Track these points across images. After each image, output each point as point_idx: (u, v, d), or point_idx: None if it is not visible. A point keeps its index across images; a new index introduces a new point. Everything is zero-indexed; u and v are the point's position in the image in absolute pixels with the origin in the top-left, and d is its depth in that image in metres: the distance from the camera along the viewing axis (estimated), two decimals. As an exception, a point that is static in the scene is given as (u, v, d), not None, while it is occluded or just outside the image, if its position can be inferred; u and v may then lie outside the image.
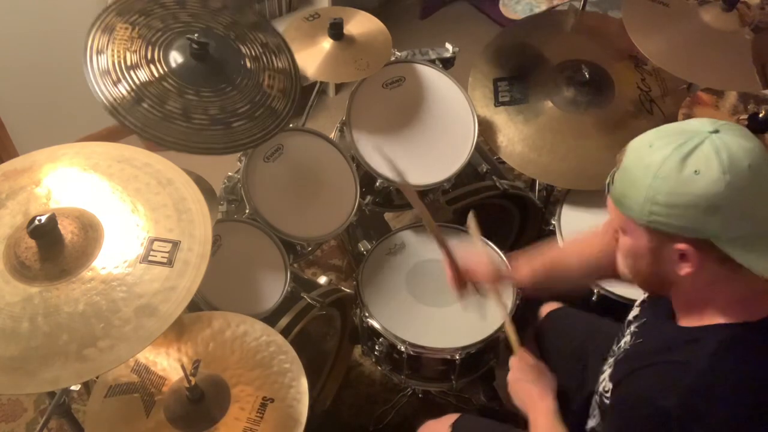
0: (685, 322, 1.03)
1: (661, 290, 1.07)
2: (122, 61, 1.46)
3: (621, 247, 1.05)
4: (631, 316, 1.20)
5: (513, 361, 1.38)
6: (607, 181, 1.03)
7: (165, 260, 1.07)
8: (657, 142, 0.94)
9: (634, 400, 1.02)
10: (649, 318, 1.14)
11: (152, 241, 1.09)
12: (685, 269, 0.96)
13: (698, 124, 0.94)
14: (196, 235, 1.10)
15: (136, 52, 1.47)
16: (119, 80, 1.44)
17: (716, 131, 0.92)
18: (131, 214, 1.12)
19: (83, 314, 1.01)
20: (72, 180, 1.17)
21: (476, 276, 1.44)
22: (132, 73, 1.46)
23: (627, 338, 1.15)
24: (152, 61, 1.49)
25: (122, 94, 1.42)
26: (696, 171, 0.89)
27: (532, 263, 1.42)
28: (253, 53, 1.60)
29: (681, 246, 0.94)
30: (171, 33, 1.53)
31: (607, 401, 1.09)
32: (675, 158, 0.91)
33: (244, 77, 1.56)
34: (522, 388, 1.32)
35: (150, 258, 1.07)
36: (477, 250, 1.53)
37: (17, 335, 1.00)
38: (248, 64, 1.59)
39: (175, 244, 1.08)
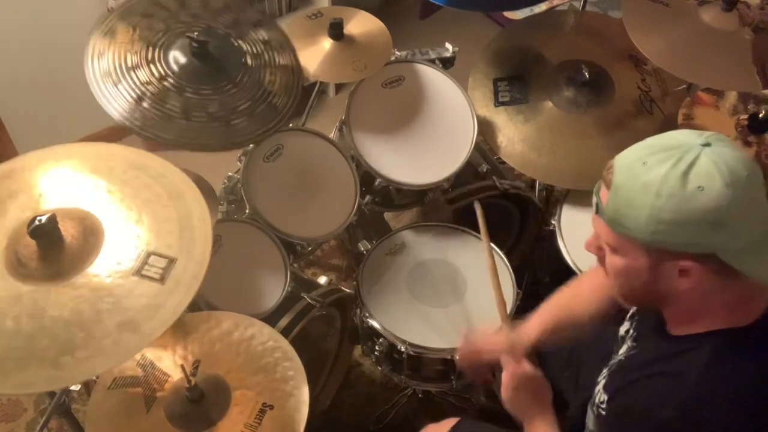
0: (678, 331, 1.03)
1: (652, 306, 1.06)
2: (123, 63, 1.46)
3: (611, 266, 1.03)
4: (622, 330, 1.19)
5: (510, 366, 1.30)
6: (594, 201, 1.01)
7: (158, 276, 1.05)
8: (650, 159, 0.92)
9: (631, 413, 1.01)
10: (642, 329, 1.13)
11: (149, 255, 1.07)
12: (685, 284, 0.95)
13: (685, 138, 0.93)
14: (194, 255, 1.08)
15: (137, 53, 1.48)
16: (119, 81, 1.44)
17: (707, 144, 0.91)
18: (135, 224, 1.10)
19: (67, 321, 1.00)
20: (83, 181, 1.16)
21: (493, 353, 1.37)
22: (132, 73, 1.46)
23: (623, 350, 1.14)
24: (152, 61, 1.49)
25: (122, 94, 1.43)
26: (699, 187, 0.88)
27: (540, 321, 1.36)
28: (255, 50, 1.60)
29: (685, 263, 0.93)
30: (171, 33, 1.53)
31: (603, 412, 1.08)
32: (675, 175, 0.89)
33: (245, 74, 1.56)
34: (520, 399, 1.28)
35: (143, 272, 1.05)
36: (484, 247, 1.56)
37: (0, 332, 0.98)
38: (249, 62, 1.58)
39: (171, 261, 1.07)
